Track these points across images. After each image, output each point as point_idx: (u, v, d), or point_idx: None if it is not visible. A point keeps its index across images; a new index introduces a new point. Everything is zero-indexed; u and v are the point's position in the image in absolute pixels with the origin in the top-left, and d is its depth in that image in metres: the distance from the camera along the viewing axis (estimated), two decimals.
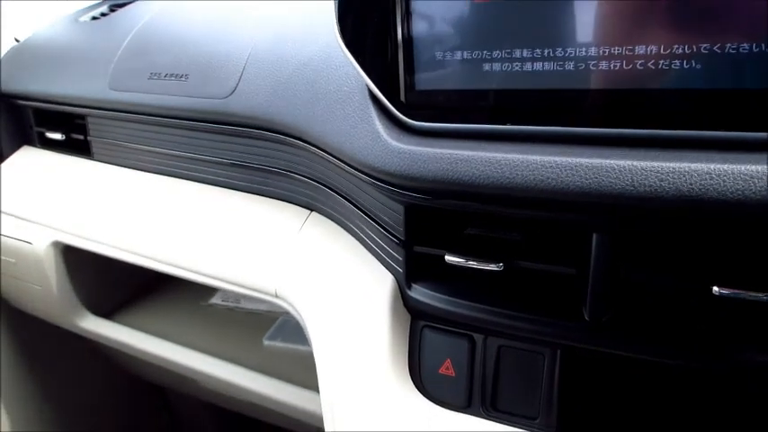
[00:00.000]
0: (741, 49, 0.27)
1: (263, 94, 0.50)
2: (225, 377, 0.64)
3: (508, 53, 0.33)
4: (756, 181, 0.26)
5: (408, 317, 0.44)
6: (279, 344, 0.68)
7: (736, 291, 0.32)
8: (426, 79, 0.36)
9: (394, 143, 0.36)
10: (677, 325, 0.34)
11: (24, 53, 0.81)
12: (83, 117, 0.73)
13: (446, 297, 0.41)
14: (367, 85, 0.38)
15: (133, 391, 1.08)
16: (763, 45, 0.27)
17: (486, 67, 0.34)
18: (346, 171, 0.43)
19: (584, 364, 0.38)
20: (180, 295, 0.82)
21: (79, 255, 0.72)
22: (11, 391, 0.90)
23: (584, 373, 0.38)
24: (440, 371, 0.42)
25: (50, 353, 0.95)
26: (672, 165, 0.28)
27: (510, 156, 0.32)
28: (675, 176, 0.28)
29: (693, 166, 0.28)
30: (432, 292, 0.41)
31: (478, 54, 0.34)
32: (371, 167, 0.37)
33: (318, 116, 0.44)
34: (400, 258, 0.42)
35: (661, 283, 0.35)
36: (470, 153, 0.33)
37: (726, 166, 0.27)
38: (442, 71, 0.35)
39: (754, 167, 0.27)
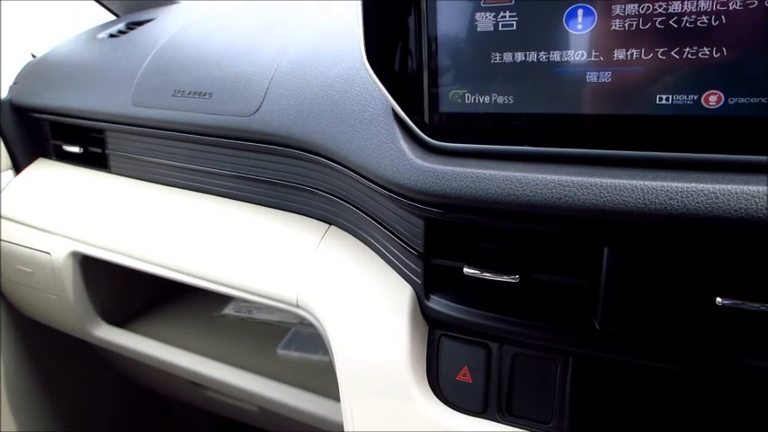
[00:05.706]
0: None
1: (288, 114, 0.52)
2: (241, 385, 0.65)
3: None
4: (758, 200, 0.29)
5: (426, 326, 0.46)
6: (293, 353, 0.69)
7: (738, 301, 0.34)
8: (450, 102, 0.38)
9: (420, 162, 0.38)
10: (682, 333, 0.37)
11: (41, 68, 0.83)
12: (101, 131, 0.75)
13: (463, 307, 0.43)
14: (392, 107, 0.40)
15: (138, 403, 1.09)
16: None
17: None
18: (368, 187, 0.46)
19: (594, 370, 0.40)
20: (192, 306, 0.84)
21: (96, 265, 0.73)
22: (17, 400, 0.90)
23: (595, 380, 0.40)
24: (457, 377, 0.44)
25: (57, 364, 0.96)
26: (680, 185, 0.31)
27: (529, 175, 0.35)
28: (683, 195, 0.31)
29: (700, 186, 0.30)
30: (449, 303, 0.44)
31: None
32: (397, 185, 0.39)
33: (343, 135, 0.46)
34: (419, 270, 0.45)
35: (667, 294, 0.37)
36: (492, 172, 0.36)
37: (730, 187, 0.30)
38: None
39: (755, 188, 0.29)
